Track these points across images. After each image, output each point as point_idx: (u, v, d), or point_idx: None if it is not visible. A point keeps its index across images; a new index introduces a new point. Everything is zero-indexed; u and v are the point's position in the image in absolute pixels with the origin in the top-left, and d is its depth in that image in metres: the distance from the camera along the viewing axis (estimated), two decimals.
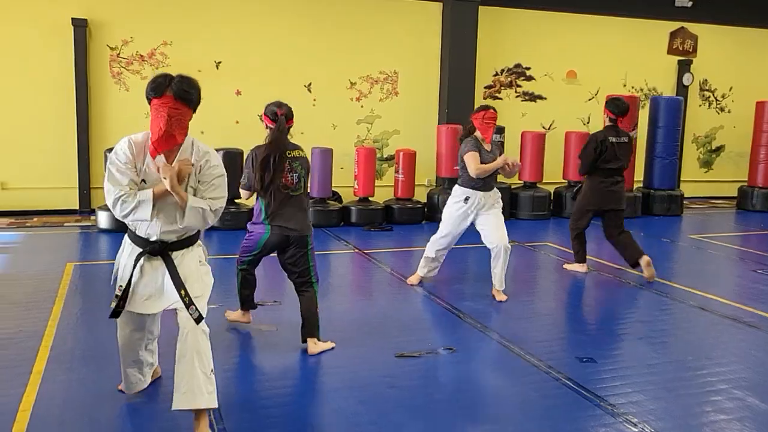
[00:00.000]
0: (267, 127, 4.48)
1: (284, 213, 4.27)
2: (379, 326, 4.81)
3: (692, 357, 4.37)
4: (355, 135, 10.52)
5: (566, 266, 6.78)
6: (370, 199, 9.33)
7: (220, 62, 9.69)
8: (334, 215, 8.96)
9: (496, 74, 11.26)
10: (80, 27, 8.87)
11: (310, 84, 10.20)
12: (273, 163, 4.25)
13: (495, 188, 5.68)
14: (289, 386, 3.79)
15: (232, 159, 8.48)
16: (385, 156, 10.70)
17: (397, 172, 9.48)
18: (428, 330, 4.90)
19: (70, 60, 8.86)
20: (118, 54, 9.22)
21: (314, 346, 4.24)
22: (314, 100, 10.25)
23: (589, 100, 11.87)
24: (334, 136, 10.17)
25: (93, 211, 8.62)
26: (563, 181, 10.50)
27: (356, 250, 7.47)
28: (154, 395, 3.57)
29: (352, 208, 9.07)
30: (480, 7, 10.64)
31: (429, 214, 9.58)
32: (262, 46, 9.82)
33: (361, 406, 3.50)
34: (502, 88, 11.33)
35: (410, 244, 8.08)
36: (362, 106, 10.54)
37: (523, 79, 11.46)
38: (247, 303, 4.71)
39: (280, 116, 4.49)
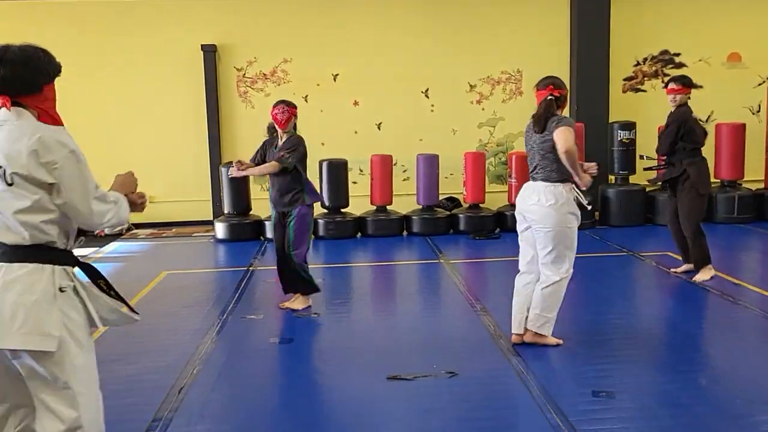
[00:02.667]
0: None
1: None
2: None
3: None
4: (476, 139, 10.14)
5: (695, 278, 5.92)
6: (480, 206, 8.92)
7: (337, 74, 9.92)
8: (442, 223, 8.70)
9: (638, 64, 10.16)
10: (209, 52, 9.63)
11: (427, 90, 10.03)
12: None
13: None
14: None
15: (338, 169, 8.65)
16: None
17: (510, 176, 8.95)
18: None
19: (201, 83, 9.65)
20: (244, 74, 9.86)
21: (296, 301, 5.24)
22: (432, 105, 10.07)
23: (759, 85, 10.22)
24: (454, 142, 9.89)
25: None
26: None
27: (442, 261, 7.17)
28: None
29: (461, 215, 8.73)
30: None
31: None
32: (378, 55, 9.87)
33: None
34: (646, 78, 10.18)
35: (513, 253, 7.55)
36: (483, 109, 10.13)
37: (672, 67, 10.18)
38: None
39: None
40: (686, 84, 5.97)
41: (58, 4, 9.42)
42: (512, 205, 8.70)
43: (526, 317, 4.30)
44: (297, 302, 5.28)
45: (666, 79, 10.01)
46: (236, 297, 5.80)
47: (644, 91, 10.19)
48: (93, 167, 8.99)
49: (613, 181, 9.23)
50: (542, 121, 4.25)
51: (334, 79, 9.94)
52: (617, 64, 10.01)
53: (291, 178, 5.11)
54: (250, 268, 6.97)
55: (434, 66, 9.95)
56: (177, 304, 5.69)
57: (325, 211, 8.69)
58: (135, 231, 9.58)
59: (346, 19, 9.81)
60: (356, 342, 4.65)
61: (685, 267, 6.15)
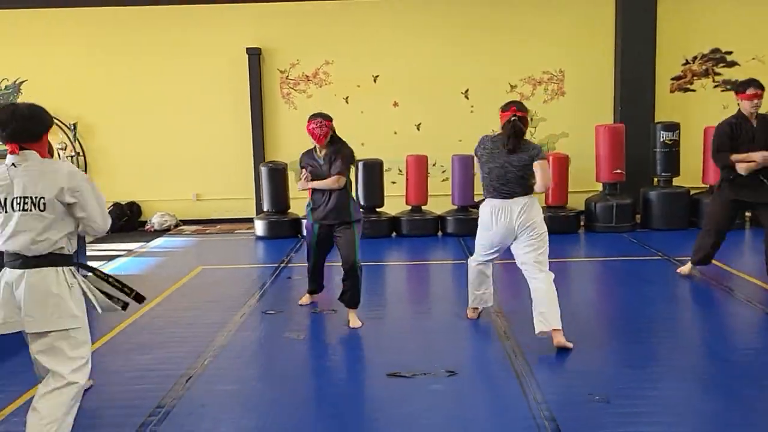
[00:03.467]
0: None
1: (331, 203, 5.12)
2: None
3: None
4: None
5: None
6: None
7: (377, 76, 10.03)
8: (476, 224, 8.63)
9: (687, 63, 9.85)
10: (254, 55, 9.91)
11: (467, 90, 10.03)
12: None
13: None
14: None
15: (373, 169, 8.77)
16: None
17: None
18: None
19: (245, 84, 9.95)
20: (287, 76, 10.10)
21: (355, 320, 4.96)
22: (472, 106, 10.05)
23: None
24: None
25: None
26: None
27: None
28: None
29: None
30: None
31: (587, 224, 8.78)
32: (418, 56, 9.93)
33: None
34: (695, 78, 9.87)
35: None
36: None
37: (723, 66, 9.85)
38: None
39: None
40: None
41: (115, 10, 9.88)
42: (548, 207, 8.68)
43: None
44: (356, 319, 5.03)
45: (718, 78, 9.76)
46: (261, 292, 5.99)
47: (693, 90, 9.88)
48: (145, 164, 9.45)
49: (656, 184, 8.99)
50: (514, 141, 4.48)
51: (375, 81, 10.06)
52: (665, 63, 9.75)
53: (347, 190, 5.07)
54: (281, 265, 7.16)
55: (474, 66, 9.93)
56: (204, 298, 5.92)
57: (361, 210, 8.80)
58: (181, 227, 9.95)
59: (387, 21, 9.91)
60: (369, 340, 4.74)
61: None
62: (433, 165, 9.65)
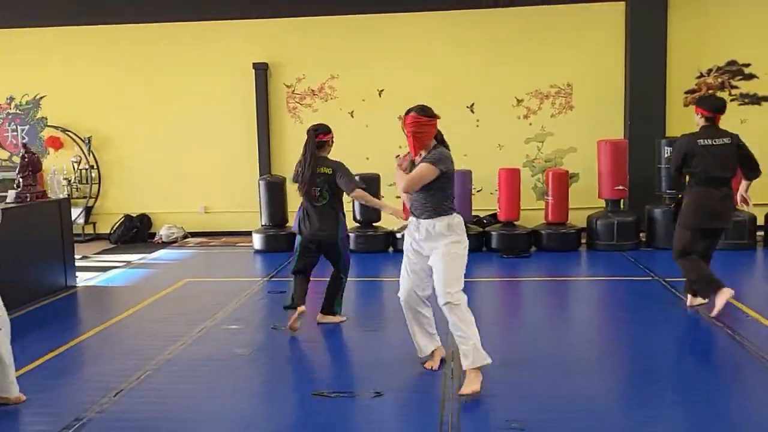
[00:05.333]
0: None
1: (311, 219, 5.19)
2: None
3: None
4: (523, 155, 9.87)
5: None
6: (515, 223, 8.68)
7: (382, 90, 10.02)
8: (472, 240, 8.43)
9: (701, 76, 9.50)
10: (260, 70, 10.05)
11: (472, 104, 9.91)
12: (302, 177, 5.17)
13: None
14: None
15: (371, 183, 8.73)
16: None
17: (546, 194, 8.64)
18: None
19: (252, 99, 10.08)
20: (293, 90, 10.19)
21: (322, 317, 5.34)
22: (477, 120, 9.93)
23: None
24: (500, 157, 9.68)
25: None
26: None
27: None
28: None
29: (493, 233, 8.54)
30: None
31: (589, 241, 8.52)
32: (423, 70, 9.87)
33: None
34: (710, 91, 9.49)
35: (518, 274, 7.32)
36: (531, 124, 9.85)
37: (741, 79, 9.46)
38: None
39: (308, 133, 5.23)
40: None
41: (129, 28, 10.17)
42: (548, 224, 8.48)
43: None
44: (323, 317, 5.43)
45: (735, 92, 9.39)
46: (233, 307, 6.01)
47: None
48: (155, 177, 9.74)
49: (663, 201, 8.67)
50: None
51: (380, 95, 10.05)
52: (678, 76, 9.43)
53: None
54: (264, 279, 7.20)
55: (480, 80, 9.82)
56: (175, 310, 5.99)
57: (357, 225, 8.79)
58: (187, 240, 10.12)
59: (392, 36, 9.90)
60: (315, 356, 4.72)
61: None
62: None
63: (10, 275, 5.99)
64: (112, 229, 10.26)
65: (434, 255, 3.98)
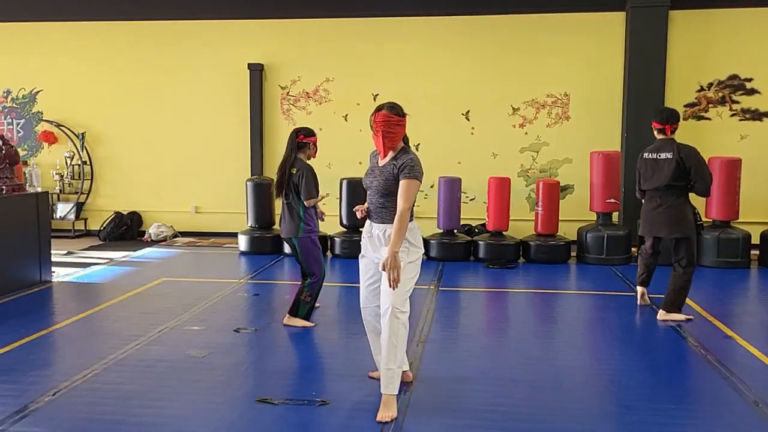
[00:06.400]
0: None
1: (282, 218, 5.39)
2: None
3: None
4: (518, 164, 9.71)
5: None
6: (504, 233, 8.51)
7: (377, 94, 9.90)
8: (459, 249, 8.39)
9: (701, 89, 9.29)
10: (256, 71, 9.98)
11: (467, 112, 9.78)
12: (277, 176, 5.33)
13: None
14: None
15: (357, 187, 8.60)
16: None
17: (537, 205, 8.46)
18: None
19: (246, 99, 10.02)
20: (288, 92, 10.11)
21: (288, 319, 5.36)
22: (473, 128, 9.79)
23: None
24: (495, 166, 9.54)
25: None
26: None
27: (430, 287, 6.90)
28: None
29: (480, 242, 8.37)
30: (673, 12, 9.02)
31: (579, 254, 8.33)
32: (418, 76, 9.76)
33: None
34: (711, 105, 9.29)
35: (505, 284, 7.15)
36: (526, 133, 9.69)
37: (742, 94, 9.24)
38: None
39: (290, 134, 5.38)
40: None
41: (124, 24, 10.17)
42: (538, 235, 8.31)
43: None
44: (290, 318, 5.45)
45: (736, 107, 9.17)
46: (201, 308, 5.91)
47: (708, 119, 9.30)
48: (147, 175, 9.73)
49: None
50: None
51: (374, 99, 9.91)
52: (677, 89, 9.24)
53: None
54: (241, 281, 7.10)
55: (476, 88, 9.69)
56: (142, 309, 5.90)
57: (343, 229, 8.68)
58: (176, 239, 10.06)
59: (388, 40, 9.80)
60: (272, 362, 4.59)
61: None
62: (432, 187, 9.39)
63: None
64: (101, 225, 10.22)
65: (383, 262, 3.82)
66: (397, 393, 3.69)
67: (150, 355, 4.64)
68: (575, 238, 8.51)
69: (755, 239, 8.17)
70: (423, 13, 9.69)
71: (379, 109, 3.88)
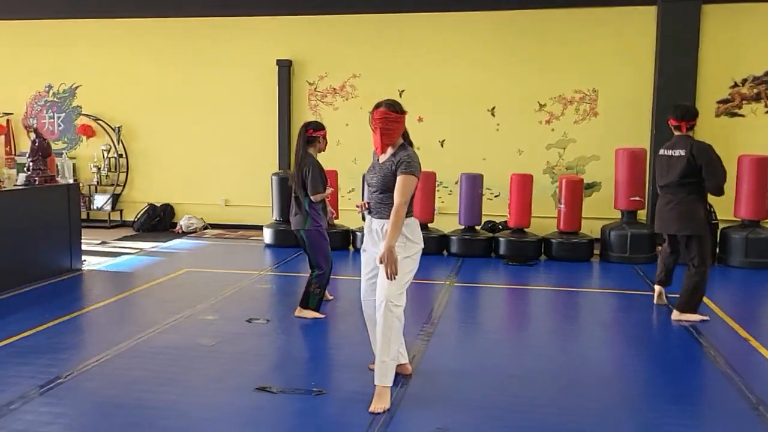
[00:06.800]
0: None
1: (292, 211, 5.50)
2: None
3: None
4: (544, 161, 9.64)
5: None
6: (525, 230, 8.47)
7: (403, 90, 9.94)
8: (480, 245, 8.39)
9: (735, 85, 9.06)
10: (284, 67, 10.14)
11: (493, 108, 9.74)
12: (292, 170, 5.51)
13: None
14: None
15: None
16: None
17: (560, 202, 8.40)
18: None
19: (275, 95, 10.18)
20: (315, 88, 10.24)
21: (299, 311, 5.44)
22: (498, 124, 9.74)
23: None
24: (520, 163, 9.49)
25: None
26: None
27: (446, 282, 6.93)
28: None
29: (501, 239, 8.35)
30: (707, 6, 8.83)
31: (603, 252, 8.24)
32: (445, 71, 9.77)
33: None
34: (745, 102, 9.05)
35: (522, 282, 7.13)
36: (553, 130, 9.61)
37: None
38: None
39: (300, 128, 5.51)
40: None
41: (155, 21, 10.44)
42: (560, 232, 8.25)
43: None
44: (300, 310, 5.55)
45: None
46: (218, 298, 6.08)
47: (742, 116, 9.07)
48: (180, 168, 9.98)
49: None
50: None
51: (400, 95, 9.96)
52: (710, 85, 9.04)
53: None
54: (261, 273, 7.25)
55: (502, 83, 9.64)
56: (162, 298, 6.11)
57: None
58: (205, 231, 10.31)
59: (414, 37, 9.83)
60: (279, 352, 4.71)
61: None
62: (456, 183, 9.38)
63: (16, 255, 6.26)
64: (135, 217, 10.54)
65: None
66: (391, 385, 3.75)
67: (161, 342, 4.81)
68: (596, 236, 8.43)
69: None
70: (449, 8, 9.69)
71: (377, 106, 3.95)
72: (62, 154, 10.13)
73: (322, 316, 5.49)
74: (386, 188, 3.86)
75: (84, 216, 10.80)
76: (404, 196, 3.74)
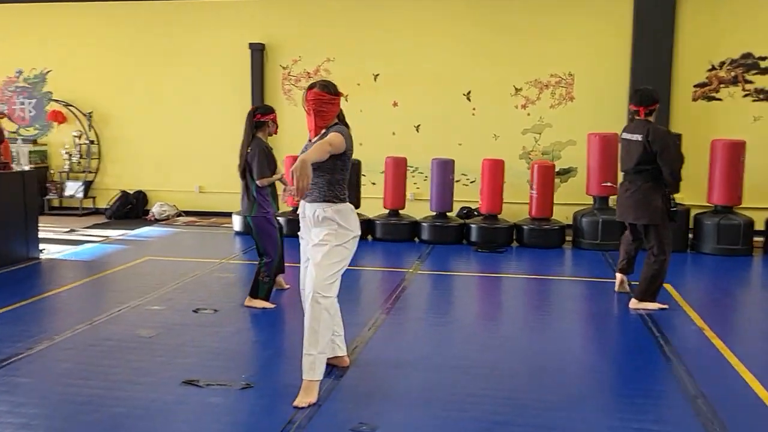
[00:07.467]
0: None
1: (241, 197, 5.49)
2: None
3: None
4: (520, 146, 9.49)
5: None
6: (498, 217, 8.34)
7: (377, 75, 9.79)
8: (451, 232, 8.26)
9: (713, 68, 8.88)
10: (257, 51, 9.96)
11: (469, 92, 9.57)
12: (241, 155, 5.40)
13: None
14: None
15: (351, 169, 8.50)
16: (557, 170, 9.36)
17: (531, 188, 8.25)
18: None
19: (247, 79, 10.01)
20: (289, 72, 10.07)
21: (249, 301, 5.34)
22: (474, 109, 9.58)
23: None
24: (495, 148, 9.34)
25: None
26: None
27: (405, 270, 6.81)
28: None
29: (473, 226, 8.22)
30: None
31: (574, 239, 8.11)
32: (419, 56, 9.60)
33: None
34: (722, 85, 8.88)
35: (489, 269, 6.99)
36: (529, 114, 9.44)
37: (756, 73, 8.81)
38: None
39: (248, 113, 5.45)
40: None
41: (127, 5, 10.26)
42: (532, 219, 8.12)
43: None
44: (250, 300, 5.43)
45: (749, 87, 8.75)
46: (172, 287, 5.96)
47: (719, 99, 8.90)
48: (153, 155, 9.78)
49: None
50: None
51: (375, 80, 9.82)
52: (687, 69, 8.87)
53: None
54: (222, 261, 7.13)
55: (478, 67, 9.47)
56: (113, 287, 6.01)
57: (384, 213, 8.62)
58: (178, 218, 10.18)
59: (389, 19, 9.65)
60: (217, 343, 4.58)
61: None
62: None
63: None
64: (107, 204, 10.41)
65: (312, 244, 3.75)
66: (319, 379, 3.63)
67: (100, 334, 4.69)
68: (568, 223, 8.30)
69: (760, 225, 7.81)
70: None
71: (311, 87, 3.79)
72: (17, 140, 9.97)
73: (272, 305, 5.37)
74: (316, 167, 3.68)
75: (56, 203, 10.73)
76: (330, 145, 3.51)
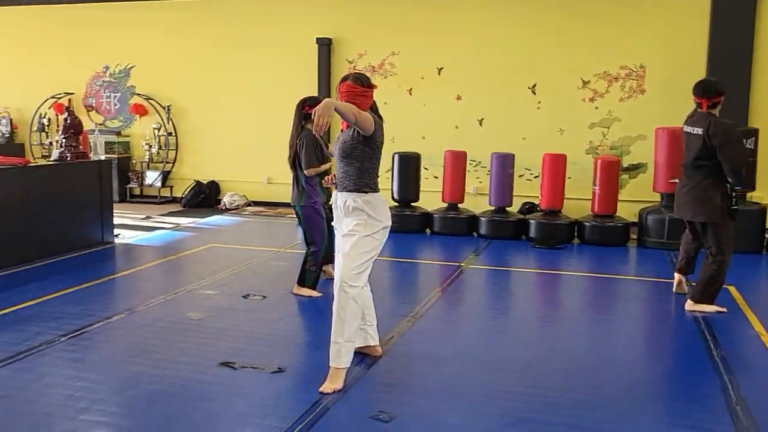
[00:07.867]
0: None
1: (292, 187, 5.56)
2: None
3: None
4: (587, 141, 9.24)
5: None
6: (559, 213, 8.16)
7: (442, 68, 9.76)
8: (510, 227, 8.16)
9: None
10: (324, 45, 10.14)
11: (534, 85, 9.39)
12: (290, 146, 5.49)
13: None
14: None
15: (409, 162, 8.56)
16: (625, 165, 9.07)
17: (594, 184, 8.03)
18: None
19: (314, 73, 10.21)
20: (354, 66, 10.19)
21: (297, 289, 5.50)
22: (539, 102, 9.40)
23: None
24: (561, 142, 9.15)
25: None
26: None
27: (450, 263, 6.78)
28: None
29: (532, 221, 8.08)
30: None
31: (639, 237, 7.84)
32: (484, 49, 9.51)
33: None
34: None
35: (544, 265, 6.87)
36: (597, 108, 9.18)
37: None
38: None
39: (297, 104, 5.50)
40: None
41: (204, 3, 10.68)
42: (594, 215, 7.92)
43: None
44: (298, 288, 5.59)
45: None
46: (227, 273, 6.20)
47: None
48: (226, 146, 10.21)
49: None
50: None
51: (439, 73, 9.81)
52: None
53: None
54: (280, 250, 7.34)
55: (543, 60, 9.28)
56: (174, 272, 6.30)
57: (395, 204, 8.68)
58: (246, 207, 10.53)
59: (453, 13, 9.60)
60: (261, 328, 4.74)
61: None
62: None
63: (47, 228, 6.60)
64: (183, 193, 10.90)
65: (344, 234, 3.82)
66: (346, 367, 3.71)
67: (152, 315, 4.95)
68: (633, 220, 8.02)
69: None
70: None
71: (344, 79, 3.85)
72: (94, 131, 10.55)
73: (319, 294, 5.49)
74: (346, 154, 3.76)
75: (137, 192, 11.32)
76: (359, 112, 3.55)
